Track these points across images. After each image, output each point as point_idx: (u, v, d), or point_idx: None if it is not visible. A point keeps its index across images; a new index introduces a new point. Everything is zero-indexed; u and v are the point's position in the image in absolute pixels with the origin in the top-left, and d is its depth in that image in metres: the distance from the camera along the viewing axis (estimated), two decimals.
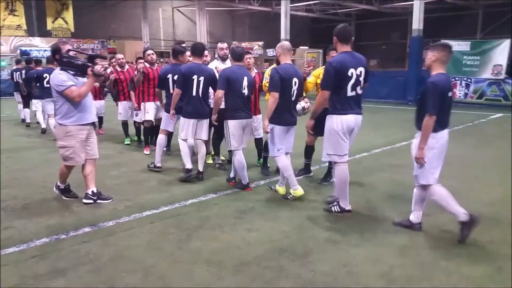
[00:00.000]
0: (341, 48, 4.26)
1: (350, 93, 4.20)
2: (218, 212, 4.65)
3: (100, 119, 9.78)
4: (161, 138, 6.39)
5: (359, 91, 4.27)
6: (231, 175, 5.66)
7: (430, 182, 3.85)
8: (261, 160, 6.51)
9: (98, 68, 4.54)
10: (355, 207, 4.64)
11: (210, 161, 6.88)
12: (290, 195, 5.01)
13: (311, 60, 24.58)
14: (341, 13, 31.02)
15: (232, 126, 5.19)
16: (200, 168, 5.83)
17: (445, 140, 3.84)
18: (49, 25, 23.26)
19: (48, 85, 8.80)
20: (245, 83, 5.18)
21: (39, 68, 10.22)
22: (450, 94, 3.78)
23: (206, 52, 6.08)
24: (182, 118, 5.79)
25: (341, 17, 31.58)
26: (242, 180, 5.42)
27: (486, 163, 6.98)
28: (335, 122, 4.24)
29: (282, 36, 19.22)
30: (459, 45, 16.29)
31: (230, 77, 5.12)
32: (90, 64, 4.62)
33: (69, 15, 23.79)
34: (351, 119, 4.25)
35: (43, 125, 10.36)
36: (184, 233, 4.06)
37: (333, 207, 4.55)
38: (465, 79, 16.57)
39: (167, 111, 6.15)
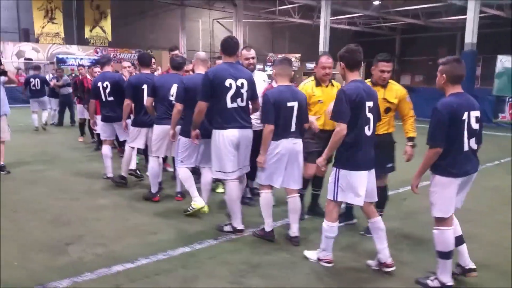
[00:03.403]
0: (224, 59, 4.29)
1: (230, 104, 4.10)
2: (211, 272, 3.52)
3: None
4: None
5: (241, 103, 4.14)
6: (177, 189, 5.46)
7: (260, 182, 4.14)
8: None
9: None
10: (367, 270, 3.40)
11: (221, 190, 5.78)
12: (191, 207, 4.76)
13: None
14: (385, 27, 29.53)
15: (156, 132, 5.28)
16: (124, 174, 5.97)
17: (285, 149, 3.95)
18: (87, 34, 23.02)
19: (34, 88, 11.55)
20: (173, 90, 5.12)
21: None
22: (289, 104, 3.92)
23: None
24: (132, 127, 5.82)
25: (385, 31, 30.15)
26: (152, 188, 5.40)
27: None
28: (217, 138, 4.13)
29: (321, 48, 18.01)
30: None
31: (156, 85, 5.29)
32: None
33: (107, 24, 23.51)
34: (233, 134, 4.10)
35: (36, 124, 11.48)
36: None
37: (225, 227, 4.37)
38: None
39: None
